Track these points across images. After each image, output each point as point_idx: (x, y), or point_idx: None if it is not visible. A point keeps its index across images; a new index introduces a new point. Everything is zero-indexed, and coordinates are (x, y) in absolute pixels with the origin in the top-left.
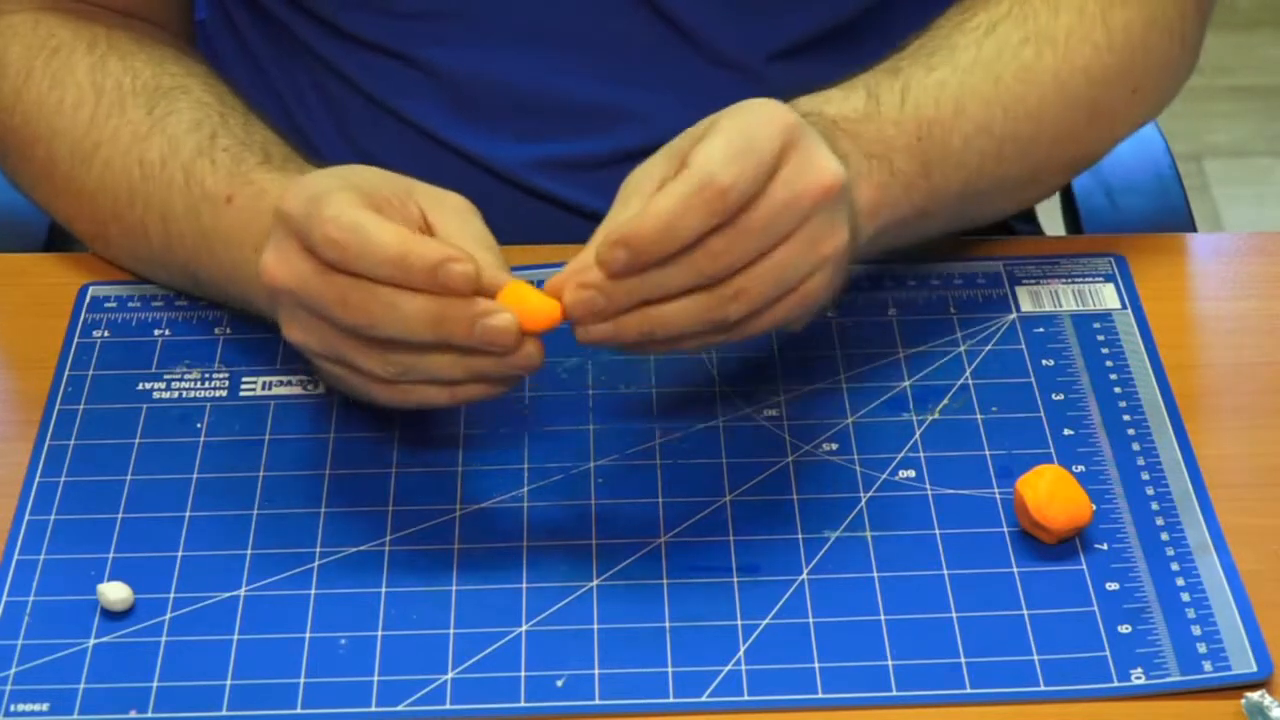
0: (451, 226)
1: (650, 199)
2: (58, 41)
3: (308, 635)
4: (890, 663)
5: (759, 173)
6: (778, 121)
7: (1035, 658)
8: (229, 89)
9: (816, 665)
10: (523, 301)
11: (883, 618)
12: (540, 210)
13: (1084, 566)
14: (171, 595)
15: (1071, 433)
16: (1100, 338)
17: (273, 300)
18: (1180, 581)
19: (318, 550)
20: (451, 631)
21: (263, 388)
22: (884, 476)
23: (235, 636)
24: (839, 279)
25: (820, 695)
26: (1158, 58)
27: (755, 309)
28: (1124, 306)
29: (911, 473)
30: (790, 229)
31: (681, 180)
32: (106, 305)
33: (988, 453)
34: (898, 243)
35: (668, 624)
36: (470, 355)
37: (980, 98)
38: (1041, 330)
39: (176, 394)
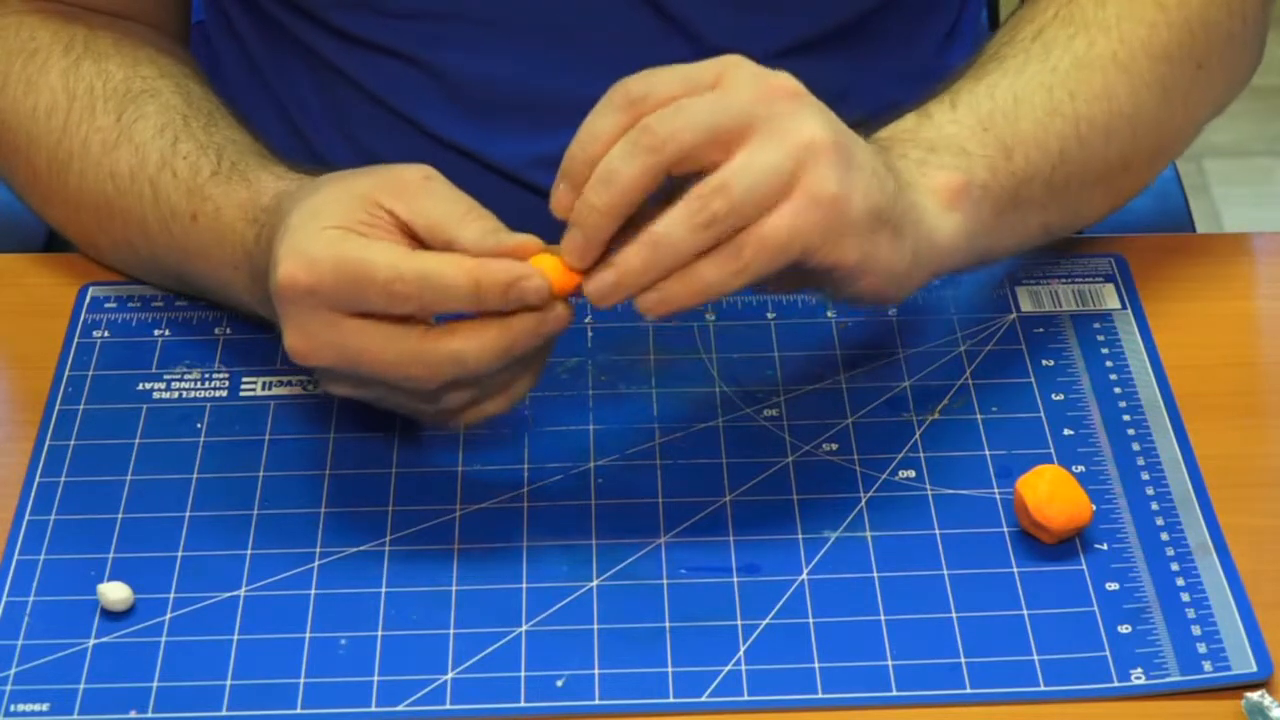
0: (431, 213)
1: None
2: (36, 44)
3: (308, 635)
4: (890, 663)
5: (682, 80)
6: (721, 58)
7: (1035, 658)
8: (202, 87)
9: (816, 665)
10: (549, 271)
11: (883, 618)
12: (543, 208)
13: (1084, 566)
14: (171, 595)
15: (1071, 433)
16: (1100, 338)
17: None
18: (1180, 581)
19: (318, 550)
20: (451, 631)
21: (263, 388)
22: (884, 476)
23: (235, 636)
24: (854, 178)
25: (820, 695)
26: (1220, 33)
27: (742, 205)
28: (1124, 306)
29: (911, 473)
30: (748, 120)
31: (595, 110)
32: (106, 305)
33: (988, 453)
34: (1005, 242)
35: (668, 624)
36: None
37: (1039, 86)
38: (1041, 330)
39: (176, 394)
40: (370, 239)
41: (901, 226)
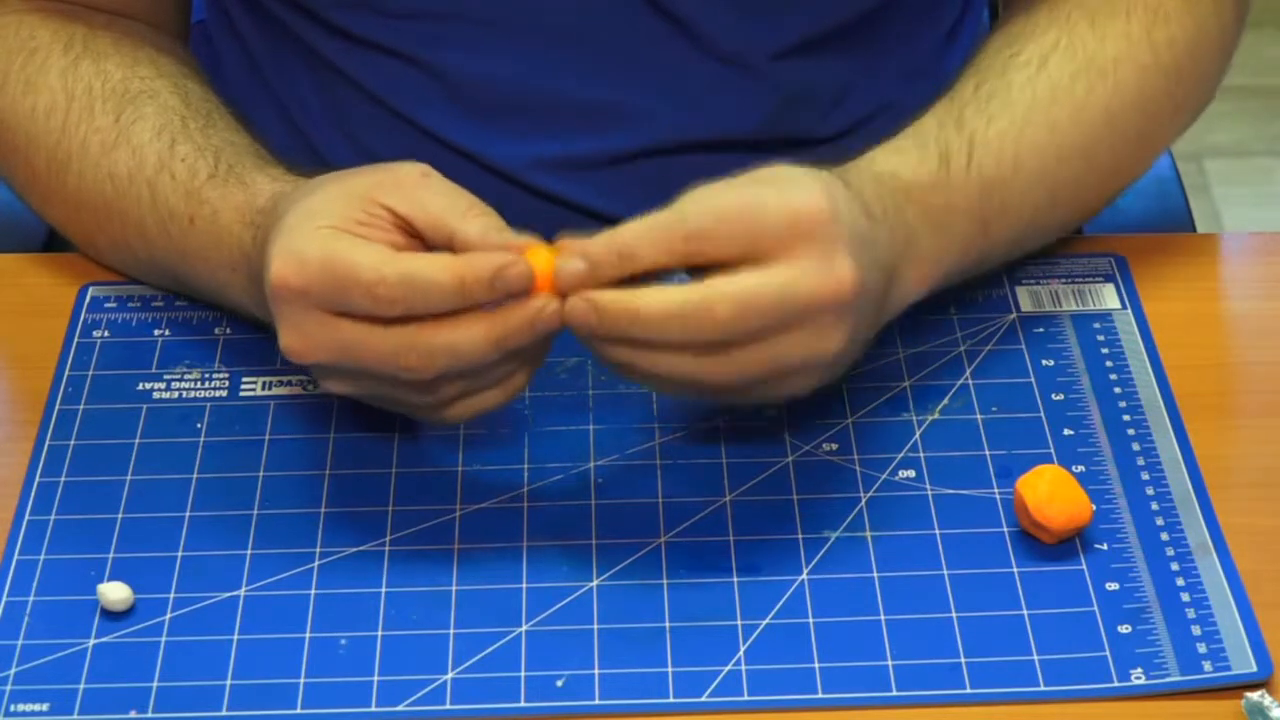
0: (430, 207)
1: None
2: (36, 44)
3: (308, 635)
4: (890, 663)
5: (745, 244)
6: (805, 204)
7: (1035, 658)
8: (201, 88)
9: (816, 665)
10: (540, 265)
11: (883, 618)
12: (542, 209)
13: (1084, 566)
14: (171, 595)
15: (1071, 433)
16: (1100, 338)
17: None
18: (1180, 581)
19: (318, 550)
20: (451, 631)
21: (263, 388)
22: (884, 476)
23: (235, 636)
24: (820, 380)
25: (820, 695)
26: (1201, 71)
27: (737, 389)
28: (1124, 306)
29: (911, 473)
30: (796, 320)
31: (663, 211)
32: (106, 305)
33: (988, 453)
34: (951, 284)
35: (668, 624)
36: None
37: (1037, 148)
38: (1041, 330)
39: (176, 394)
40: (363, 239)
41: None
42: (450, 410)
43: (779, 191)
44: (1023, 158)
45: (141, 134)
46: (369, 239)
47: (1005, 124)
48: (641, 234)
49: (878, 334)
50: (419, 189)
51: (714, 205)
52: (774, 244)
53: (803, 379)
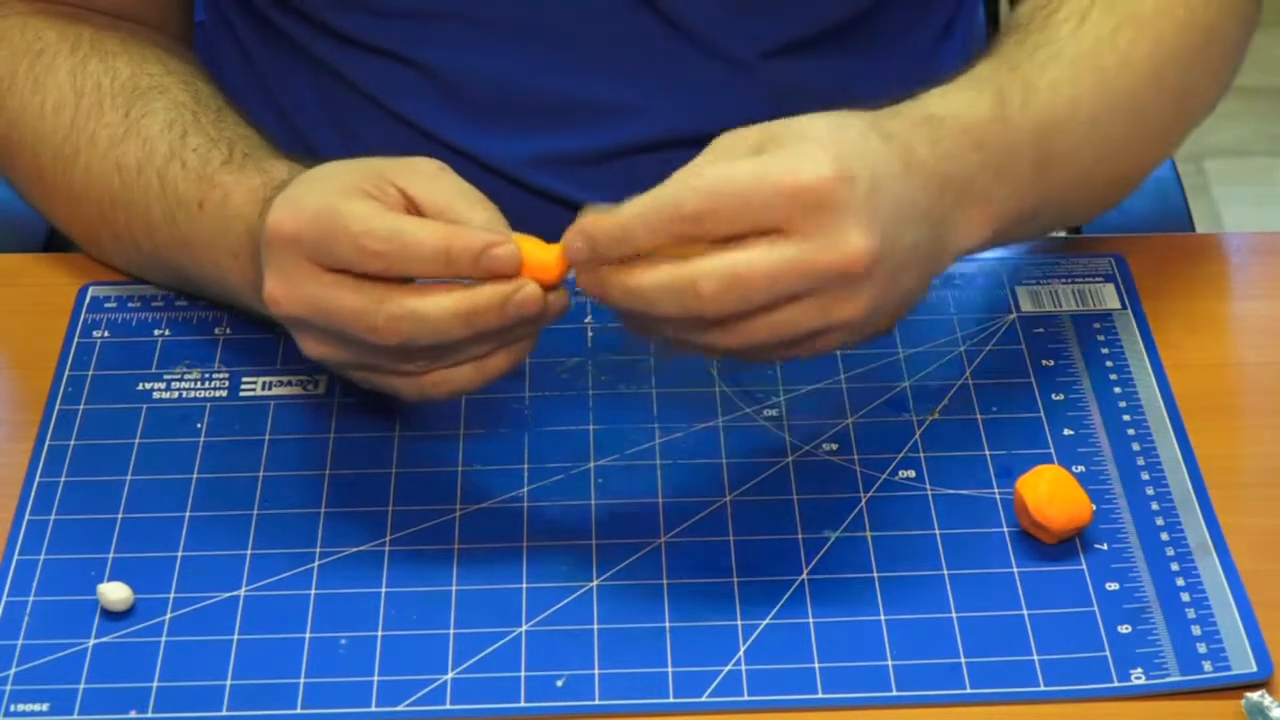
0: (440, 195)
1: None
2: (42, 44)
3: (308, 635)
4: (890, 663)
5: (750, 220)
6: (807, 176)
7: (1035, 658)
8: (209, 86)
9: (816, 665)
10: (529, 256)
11: (883, 618)
12: (538, 206)
13: (1084, 566)
14: (171, 595)
15: (1071, 433)
16: (1100, 338)
17: (284, 324)
18: (1180, 581)
19: (318, 550)
20: (451, 631)
21: (263, 388)
22: (884, 476)
23: (235, 636)
24: (860, 337)
25: (820, 695)
26: (1233, 38)
27: (755, 352)
28: (1124, 306)
29: (911, 473)
30: (798, 292)
31: (662, 191)
32: (106, 305)
33: (988, 453)
34: (1004, 243)
35: (668, 624)
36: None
37: (1091, 94)
38: (1041, 330)
39: (176, 394)
40: (361, 199)
41: (931, 276)
42: (423, 382)
43: (782, 163)
44: (1078, 101)
45: (152, 126)
46: (362, 199)
47: (1057, 71)
48: (638, 216)
49: (929, 287)
50: (432, 179)
51: (712, 184)
52: (776, 219)
53: (831, 340)
